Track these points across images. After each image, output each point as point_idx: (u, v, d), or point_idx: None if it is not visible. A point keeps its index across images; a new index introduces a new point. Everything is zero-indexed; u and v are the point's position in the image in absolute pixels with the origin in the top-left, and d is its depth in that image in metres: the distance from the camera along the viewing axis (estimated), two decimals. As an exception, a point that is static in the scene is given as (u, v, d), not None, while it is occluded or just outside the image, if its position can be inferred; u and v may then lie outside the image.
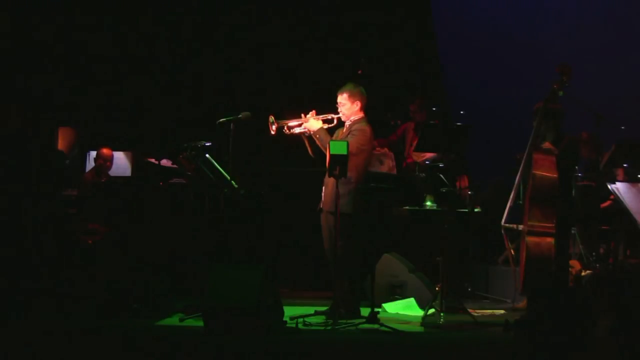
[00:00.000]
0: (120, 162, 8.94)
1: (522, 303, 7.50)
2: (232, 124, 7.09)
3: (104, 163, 8.68)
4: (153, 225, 7.74)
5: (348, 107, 7.13)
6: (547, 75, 6.93)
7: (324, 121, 7.17)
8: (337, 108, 7.16)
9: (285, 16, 9.92)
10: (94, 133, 9.44)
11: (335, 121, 7.19)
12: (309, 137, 7.14)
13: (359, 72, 7.68)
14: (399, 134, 8.94)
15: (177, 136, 8.79)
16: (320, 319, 6.88)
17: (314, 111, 7.17)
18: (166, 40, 9.86)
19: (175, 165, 8.06)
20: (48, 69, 9.43)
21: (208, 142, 7.19)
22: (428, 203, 7.42)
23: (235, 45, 9.89)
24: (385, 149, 8.22)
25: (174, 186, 8.01)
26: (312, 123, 7.12)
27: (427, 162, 8.26)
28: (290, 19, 9.91)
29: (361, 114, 7.16)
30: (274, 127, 7.13)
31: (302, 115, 7.17)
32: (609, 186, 7.14)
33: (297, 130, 7.19)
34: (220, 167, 7.15)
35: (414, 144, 8.78)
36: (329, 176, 6.75)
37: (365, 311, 6.87)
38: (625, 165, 8.01)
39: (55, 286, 7.53)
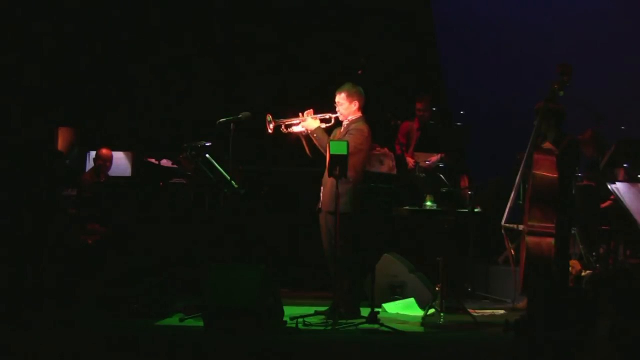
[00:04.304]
0: (120, 162, 8.94)
1: (522, 303, 7.49)
2: (232, 124, 7.09)
3: (104, 163, 8.68)
4: (152, 225, 7.74)
5: (346, 107, 7.13)
6: (547, 75, 6.93)
7: (322, 120, 7.16)
8: (335, 107, 7.16)
9: (285, 15, 9.92)
10: (94, 133, 9.44)
11: (332, 120, 7.19)
12: (307, 136, 7.14)
13: (359, 72, 7.67)
14: (402, 137, 8.92)
15: (177, 136, 8.79)
16: (320, 319, 6.88)
17: (311, 110, 7.16)
18: (166, 39, 9.86)
19: (175, 165, 8.06)
20: (48, 69, 9.43)
21: (208, 142, 7.18)
22: (428, 203, 7.42)
23: (234, 45, 9.89)
24: (385, 149, 8.21)
25: (174, 186, 8.01)
26: (310, 122, 7.11)
27: (440, 165, 8.22)
28: (289, 18, 9.91)
29: (359, 114, 7.16)
30: (271, 126, 7.12)
31: (300, 114, 7.17)
32: (609, 186, 7.14)
33: (294, 129, 7.19)
34: (220, 167, 7.15)
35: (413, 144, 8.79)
36: (329, 176, 6.74)
37: (365, 311, 6.87)
38: (625, 165, 8.01)
39: (55, 286, 7.53)
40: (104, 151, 8.74)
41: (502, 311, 7.67)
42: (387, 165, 7.92)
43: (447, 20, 9.91)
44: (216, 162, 7.16)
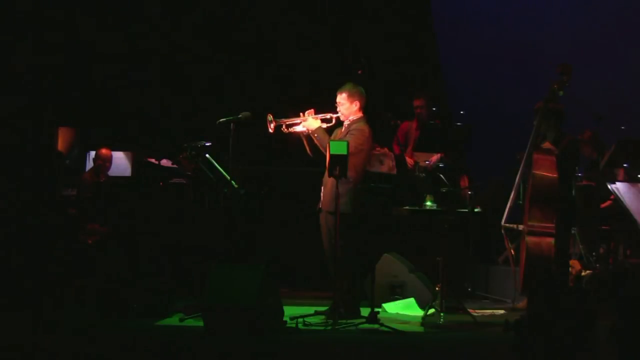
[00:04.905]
0: (120, 162, 8.94)
1: (522, 303, 7.49)
2: (232, 124, 7.09)
3: (103, 163, 8.69)
4: (153, 225, 7.74)
5: (347, 107, 7.13)
6: (547, 75, 6.93)
7: (323, 120, 7.17)
8: (336, 107, 7.17)
9: (285, 15, 9.92)
10: (94, 133, 9.45)
11: (333, 121, 7.19)
12: (308, 136, 7.14)
13: (359, 72, 7.68)
14: (400, 136, 8.92)
15: (177, 136, 8.79)
16: (320, 319, 6.88)
17: (312, 110, 7.17)
18: (166, 39, 9.86)
19: (175, 165, 8.07)
20: (48, 69, 9.43)
21: (208, 142, 7.19)
22: (428, 203, 7.42)
23: (235, 44, 9.90)
24: (385, 149, 8.21)
25: (174, 186, 8.02)
26: (311, 122, 7.12)
27: (440, 165, 8.22)
28: (290, 18, 9.92)
29: (360, 114, 7.16)
30: (272, 126, 7.13)
31: (301, 114, 7.17)
32: (609, 186, 7.14)
33: (295, 129, 7.19)
34: (220, 167, 7.15)
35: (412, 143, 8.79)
36: (329, 176, 6.75)
37: (365, 311, 6.87)
38: (625, 165, 8.01)
39: (55, 286, 7.53)
40: (104, 151, 8.74)
41: (502, 311, 7.66)
42: (387, 165, 7.92)
43: (446, 19, 9.91)
44: (216, 162, 7.16)
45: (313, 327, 6.65)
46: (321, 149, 7.04)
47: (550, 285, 6.20)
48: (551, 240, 6.30)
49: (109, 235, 7.97)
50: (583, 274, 7.60)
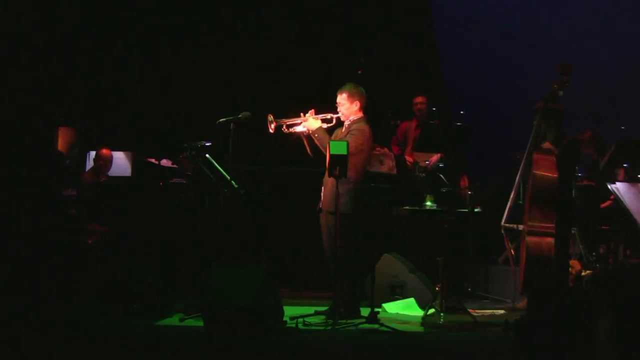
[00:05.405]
0: (120, 162, 8.95)
1: (522, 303, 7.50)
2: (232, 124, 7.09)
3: (104, 163, 8.70)
4: (153, 225, 7.74)
5: (347, 107, 7.14)
6: (547, 75, 6.93)
7: (323, 120, 7.17)
8: (336, 107, 7.17)
9: (286, 15, 9.93)
10: (94, 133, 9.45)
11: (334, 121, 7.20)
12: (308, 136, 7.15)
13: (359, 72, 7.68)
14: (400, 136, 8.92)
15: (177, 136, 8.79)
16: (320, 319, 6.88)
17: (313, 110, 7.17)
18: (166, 39, 9.86)
19: (175, 165, 8.07)
20: (48, 69, 9.44)
21: (208, 142, 7.19)
22: (428, 203, 7.42)
23: (235, 44, 9.90)
24: (385, 149, 8.22)
25: (174, 186, 8.02)
26: (311, 122, 7.12)
27: (439, 165, 8.22)
28: (290, 18, 9.92)
29: (360, 114, 7.16)
30: (272, 126, 7.13)
31: (301, 114, 7.17)
32: (609, 186, 7.14)
33: (296, 129, 7.19)
34: (220, 167, 7.15)
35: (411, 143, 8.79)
36: (329, 176, 6.75)
37: (365, 311, 6.87)
38: (625, 165, 8.01)
39: (55, 286, 7.53)
40: (104, 151, 8.75)
41: (502, 311, 7.67)
42: (387, 165, 7.93)
43: (446, 19, 9.91)
44: (216, 162, 7.16)
45: (313, 327, 6.66)
46: (321, 149, 7.05)
47: (550, 285, 6.21)
48: (551, 240, 6.30)
49: (109, 235, 7.97)
50: (583, 274, 7.60)
